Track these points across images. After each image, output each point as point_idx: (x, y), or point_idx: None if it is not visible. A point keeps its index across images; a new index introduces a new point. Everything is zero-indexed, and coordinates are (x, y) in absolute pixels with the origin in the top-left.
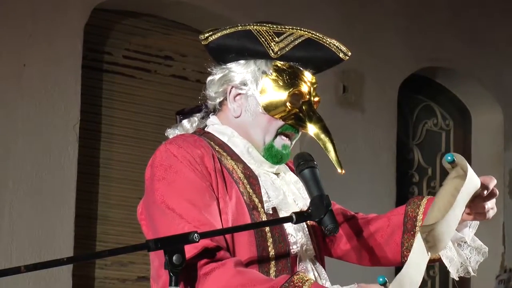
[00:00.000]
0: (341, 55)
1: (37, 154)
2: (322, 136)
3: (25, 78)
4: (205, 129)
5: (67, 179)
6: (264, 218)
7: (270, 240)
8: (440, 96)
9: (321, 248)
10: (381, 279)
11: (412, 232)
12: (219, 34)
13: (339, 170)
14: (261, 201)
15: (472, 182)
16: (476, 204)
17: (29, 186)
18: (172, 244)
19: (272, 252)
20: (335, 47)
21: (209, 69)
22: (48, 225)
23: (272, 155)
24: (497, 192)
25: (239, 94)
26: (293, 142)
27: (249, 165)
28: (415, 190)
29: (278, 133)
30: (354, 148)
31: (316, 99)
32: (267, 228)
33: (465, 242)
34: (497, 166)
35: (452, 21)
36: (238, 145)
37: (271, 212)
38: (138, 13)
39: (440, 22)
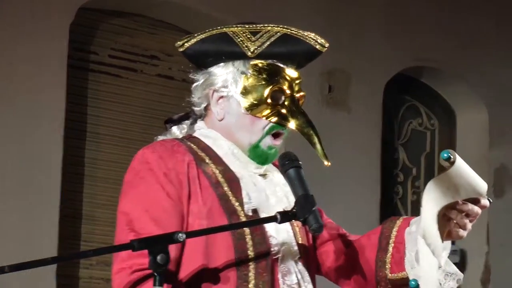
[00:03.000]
0: (318, 47)
1: (23, 154)
2: (306, 130)
3: (11, 77)
4: (193, 135)
5: (52, 179)
6: (243, 220)
7: (250, 242)
8: (425, 95)
9: (309, 252)
10: (413, 283)
11: (386, 250)
12: (194, 40)
13: (325, 163)
14: (241, 204)
15: (463, 173)
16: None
17: (14, 186)
18: (156, 244)
19: (251, 254)
20: (311, 39)
21: (191, 76)
22: (33, 224)
23: (257, 155)
24: (479, 212)
25: (221, 97)
26: (281, 141)
27: (232, 167)
28: (400, 189)
29: (267, 133)
30: (340, 147)
31: (300, 94)
32: (247, 230)
33: (439, 267)
34: (483, 165)
35: (437, 21)
36: (223, 147)
37: (251, 214)
38: (124, 12)
39: (425, 22)
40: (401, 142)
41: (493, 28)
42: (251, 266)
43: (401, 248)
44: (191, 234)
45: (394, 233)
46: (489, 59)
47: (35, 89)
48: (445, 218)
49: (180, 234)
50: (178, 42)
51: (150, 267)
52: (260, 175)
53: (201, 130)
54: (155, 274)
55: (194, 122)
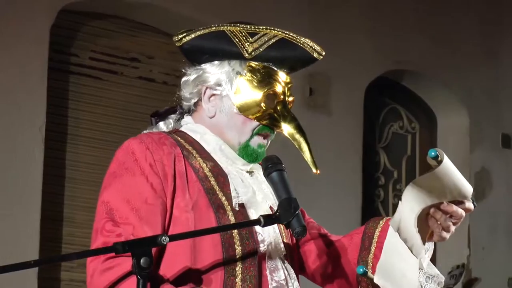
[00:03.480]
0: (315, 54)
1: (3, 156)
2: (297, 136)
3: None
4: (179, 129)
5: (33, 181)
6: (230, 215)
7: (237, 237)
8: (406, 99)
9: (293, 250)
10: (361, 270)
11: (369, 250)
12: (193, 35)
13: (314, 170)
14: (228, 199)
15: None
16: (441, 217)
17: None
18: (140, 247)
19: (238, 250)
20: (309, 46)
21: (183, 70)
22: (14, 227)
23: (248, 154)
24: (463, 214)
25: (214, 94)
26: (269, 142)
27: (219, 163)
28: (381, 192)
29: (254, 133)
30: (321, 150)
31: (290, 99)
32: None
33: (421, 269)
34: (463, 169)
35: (418, 24)
36: (210, 142)
37: (237, 208)
38: (104, 14)
39: (406, 25)
40: (382, 145)
41: (474, 32)
42: (239, 260)
43: None
44: (174, 238)
45: (377, 233)
46: (470, 63)
47: (16, 91)
48: (428, 219)
49: (163, 237)
50: (176, 37)
51: (134, 270)
52: (247, 172)
53: (188, 125)
54: (139, 277)
55: (181, 117)
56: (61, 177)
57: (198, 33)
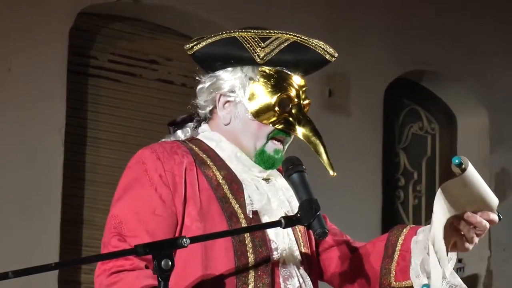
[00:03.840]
0: (327, 56)
1: (23, 159)
2: (313, 139)
3: (10, 83)
4: (196, 137)
5: (53, 184)
6: (244, 222)
7: (250, 245)
8: (426, 99)
9: (311, 257)
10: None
11: (391, 258)
12: (204, 43)
13: (331, 173)
14: (241, 206)
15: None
16: (466, 226)
17: (14, 191)
18: (161, 249)
19: (251, 257)
20: (321, 49)
21: (197, 78)
22: (34, 229)
23: (264, 160)
24: (487, 226)
25: (228, 101)
26: (286, 147)
27: (235, 170)
28: (401, 194)
29: (269, 138)
30: (340, 152)
31: (306, 102)
32: (247, 233)
33: (444, 278)
34: (483, 169)
35: (437, 25)
36: (226, 149)
37: (251, 216)
38: (123, 17)
39: (425, 26)
40: (402, 146)
41: (493, 32)
42: (251, 268)
43: (407, 256)
44: (195, 239)
45: (400, 241)
46: (489, 63)
47: (35, 94)
48: (452, 228)
49: (184, 239)
50: (187, 45)
51: (155, 272)
52: (263, 179)
53: (205, 133)
54: (160, 279)
55: (198, 125)
56: (81, 180)
57: (209, 40)
